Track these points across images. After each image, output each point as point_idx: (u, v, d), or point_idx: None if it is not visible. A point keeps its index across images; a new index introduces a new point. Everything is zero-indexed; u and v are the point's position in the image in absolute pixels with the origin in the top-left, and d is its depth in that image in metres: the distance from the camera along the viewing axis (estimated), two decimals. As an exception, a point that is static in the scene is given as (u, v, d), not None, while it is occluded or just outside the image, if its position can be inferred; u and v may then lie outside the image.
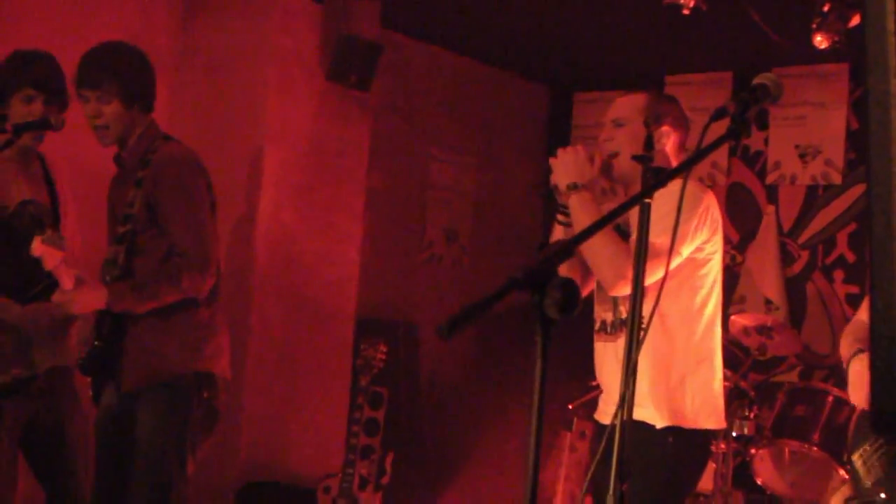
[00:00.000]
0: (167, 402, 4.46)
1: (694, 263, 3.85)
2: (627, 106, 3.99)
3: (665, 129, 3.92)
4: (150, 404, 4.44)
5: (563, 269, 4.05)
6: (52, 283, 4.66)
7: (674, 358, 3.88)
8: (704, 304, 3.91)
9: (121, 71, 4.51)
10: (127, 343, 4.43)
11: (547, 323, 2.15)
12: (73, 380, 4.77)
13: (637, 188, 3.78)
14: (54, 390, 4.70)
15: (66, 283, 4.25)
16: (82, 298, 4.29)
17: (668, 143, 3.94)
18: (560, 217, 4.00)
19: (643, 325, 3.11)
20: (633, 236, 3.76)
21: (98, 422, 4.59)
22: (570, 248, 2.31)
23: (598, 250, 3.79)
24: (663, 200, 3.27)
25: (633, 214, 3.85)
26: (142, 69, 4.64)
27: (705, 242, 3.85)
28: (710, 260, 3.90)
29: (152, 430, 4.44)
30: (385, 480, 6.17)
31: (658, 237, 3.42)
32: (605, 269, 3.82)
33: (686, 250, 3.79)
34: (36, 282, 4.63)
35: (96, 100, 4.47)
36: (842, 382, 6.09)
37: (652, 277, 3.50)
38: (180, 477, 4.49)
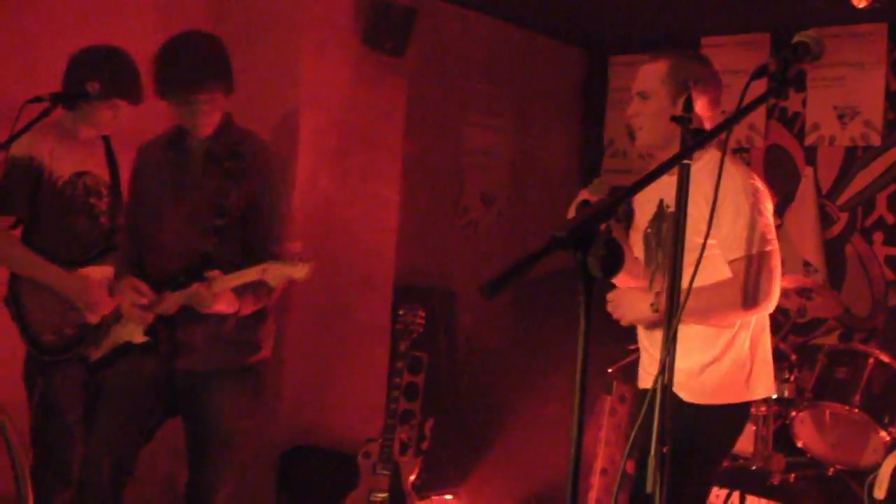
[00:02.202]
0: (253, 385, 4.59)
1: None
2: (650, 76, 3.93)
3: (692, 93, 3.86)
4: (235, 385, 4.51)
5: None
6: (101, 251, 4.85)
7: (704, 340, 3.89)
8: None
9: (222, 67, 4.47)
10: (214, 325, 4.43)
11: (590, 281, 2.14)
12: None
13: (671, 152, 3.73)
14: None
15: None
16: (219, 306, 4.30)
17: (698, 106, 3.84)
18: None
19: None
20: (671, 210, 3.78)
21: (135, 383, 4.53)
22: (612, 207, 2.29)
23: (705, 305, 3.77)
24: (727, 205, 3.41)
25: (671, 191, 3.85)
26: (227, 56, 4.55)
27: None
28: None
29: (238, 410, 4.52)
30: (425, 445, 6.19)
31: (764, 246, 3.68)
32: (724, 313, 3.85)
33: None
34: (87, 250, 4.84)
35: (195, 108, 4.40)
36: (883, 344, 6.09)
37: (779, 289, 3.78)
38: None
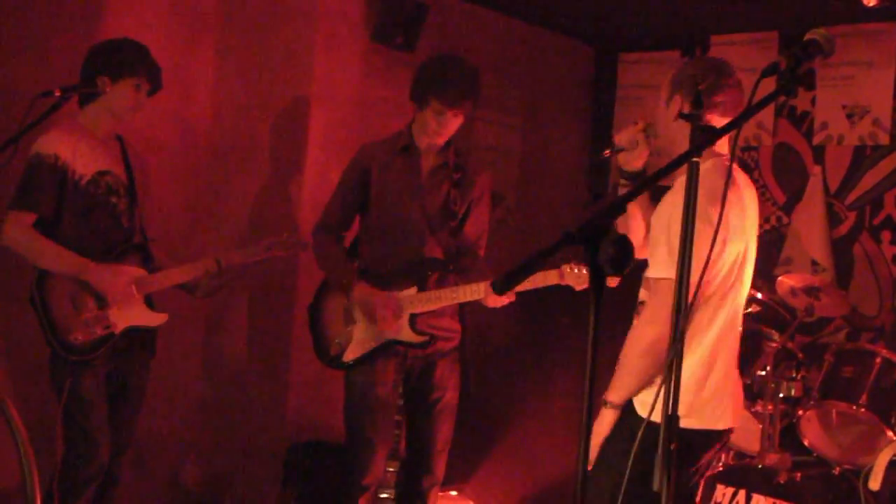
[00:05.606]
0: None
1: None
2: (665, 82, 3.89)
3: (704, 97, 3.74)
4: (452, 364, 5.37)
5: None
6: (129, 247, 4.96)
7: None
8: (713, 318, 3.77)
9: (478, 88, 5.10)
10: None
11: (600, 278, 2.14)
12: (153, 340, 5.13)
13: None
14: (127, 349, 4.97)
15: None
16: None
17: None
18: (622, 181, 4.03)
19: None
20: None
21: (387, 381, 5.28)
22: (623, 203, 2.29)
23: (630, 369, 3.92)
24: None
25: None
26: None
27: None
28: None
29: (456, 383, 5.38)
30: (431, 442, 6.17)
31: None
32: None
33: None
34: (109, 250, 4.89)
35: (453, 116, 5.04)
36: (891, 344, 6.08)
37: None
38: None
